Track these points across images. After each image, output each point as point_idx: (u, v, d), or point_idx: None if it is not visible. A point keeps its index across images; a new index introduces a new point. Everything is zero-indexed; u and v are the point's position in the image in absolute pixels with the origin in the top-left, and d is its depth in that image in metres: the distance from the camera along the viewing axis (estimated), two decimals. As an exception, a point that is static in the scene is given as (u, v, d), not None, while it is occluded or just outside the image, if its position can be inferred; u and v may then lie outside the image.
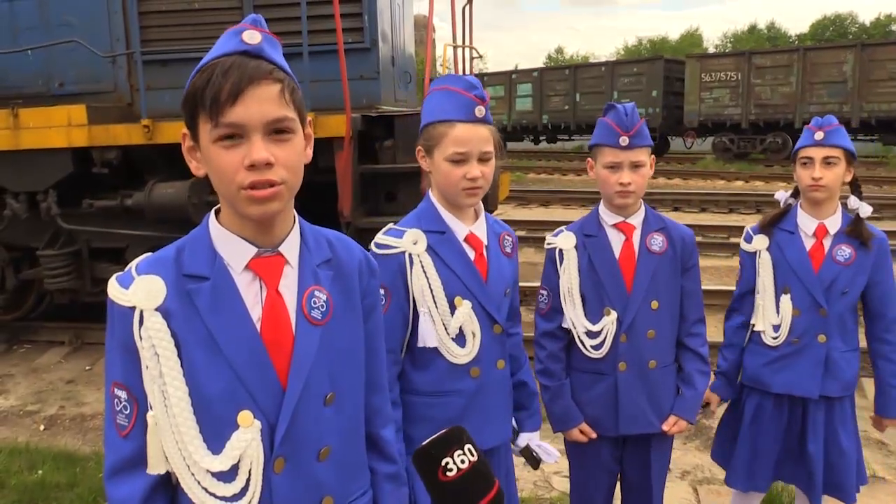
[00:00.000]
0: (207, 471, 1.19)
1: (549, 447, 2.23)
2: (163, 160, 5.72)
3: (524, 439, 2.20)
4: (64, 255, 5.90)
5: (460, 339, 1.95)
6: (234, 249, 1.24)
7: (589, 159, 2.42)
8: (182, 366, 1.19)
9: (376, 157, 5.58)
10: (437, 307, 1.92)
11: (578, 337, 2.36)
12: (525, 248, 9.91)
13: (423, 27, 6.14)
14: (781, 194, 2.74)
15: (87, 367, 5.87)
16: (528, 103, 26.95)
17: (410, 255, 1.90)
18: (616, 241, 2.37)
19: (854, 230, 2.56)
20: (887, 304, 2.63)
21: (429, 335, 1.93)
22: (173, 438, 1.18)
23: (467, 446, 1.06)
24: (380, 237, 1.94)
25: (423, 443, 1.10)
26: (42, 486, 3.75)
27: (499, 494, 1.09)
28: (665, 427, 2.41)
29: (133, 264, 1.24)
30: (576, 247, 2.38)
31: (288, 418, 1.23)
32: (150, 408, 1.19)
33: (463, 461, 1.06)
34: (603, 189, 2.35)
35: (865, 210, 2.57)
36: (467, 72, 7.13)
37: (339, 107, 5.21)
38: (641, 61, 26.26)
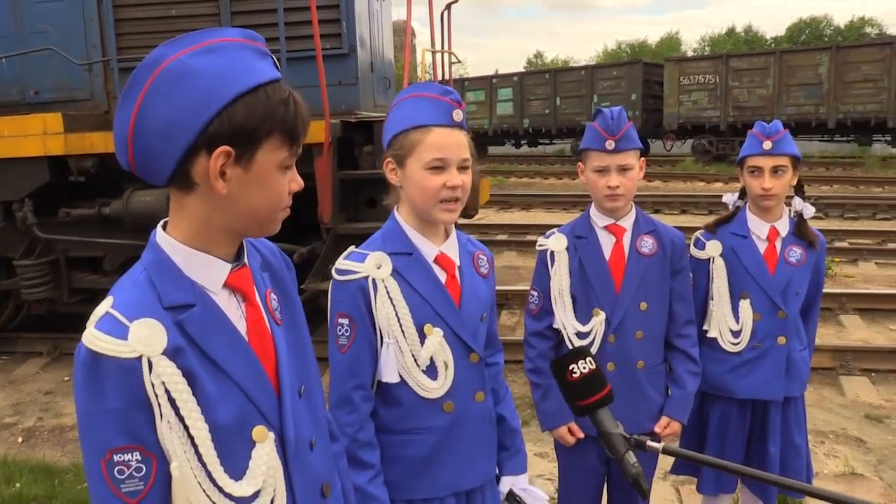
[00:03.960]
0: (230, 496, 1.15)
1: (536, 490, 2.01)
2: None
3: (506, 484, 1.98)
4: (41, 264, 5.82)
5: (431, 370, 1.79)
6: (208, 271, 1.19)
7: (579, 163, 2.45)
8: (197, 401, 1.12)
9: (356, 162, 5.58)
10: (404, 337, 1.75)
11: (568, 338, 2.37)
12: (506, 252, 9.94)
13: (402, 32, 6.14)
14: (729, 197, 2.76)
15: (66, 378, 5.78)
16: (508, 108, 27.04)
17: (374, 280, 1.75)
18: (606, 242, 2.39)
19: (801, 231, 2.61)
20: (818, 301, 2.74)
21: (388, 369, 1.77)
22: (195, 479, 1.11)
23: (588, 359, 1.43)
24: (340, 262, 1.79)
25: (559, 355, 1.51)
26: (20, 500, 3.70)
27: (609, 393, 1.42)
28: (657, 429, 2.42)
29: (114, 313, 1.10)
30: (567, 248, 2.39)
31: (291, 420, 1.25)
32: (170, 459, 1.11)
33: (584, 367, 1.42)
34: (592, 193, 2.37)
35: (809, 211, 2.63)
36: (447, 77, 7.16)
37: (318, 113, 5.19)
38: (621, 65, 26.45)
